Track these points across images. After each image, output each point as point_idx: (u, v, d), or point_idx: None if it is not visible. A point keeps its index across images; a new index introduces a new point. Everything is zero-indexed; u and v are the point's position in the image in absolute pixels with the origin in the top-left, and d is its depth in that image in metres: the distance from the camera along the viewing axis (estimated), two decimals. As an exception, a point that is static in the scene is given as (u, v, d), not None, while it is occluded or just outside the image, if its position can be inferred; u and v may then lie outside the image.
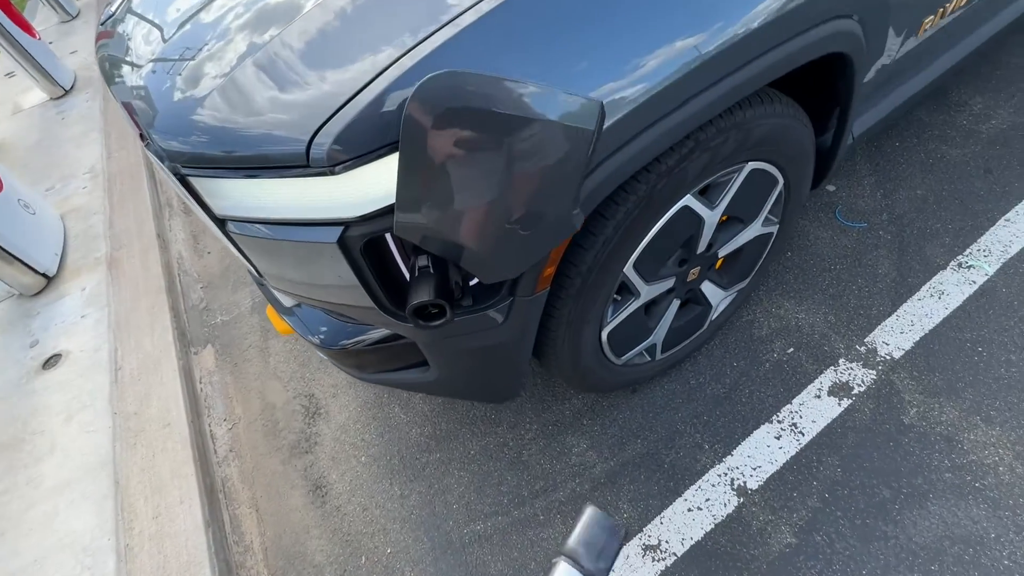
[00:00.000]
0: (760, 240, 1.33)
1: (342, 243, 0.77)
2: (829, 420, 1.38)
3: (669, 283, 1.21)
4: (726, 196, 1.09)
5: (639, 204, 0.93)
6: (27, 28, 4.07)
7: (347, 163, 0.68)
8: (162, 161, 0.82)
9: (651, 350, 1.38)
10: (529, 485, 1.45)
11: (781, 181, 1.19)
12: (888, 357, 1.46)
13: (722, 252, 1.26)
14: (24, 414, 1.87)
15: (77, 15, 5.90)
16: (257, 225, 0.83)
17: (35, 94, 4.33)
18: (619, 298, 1.16)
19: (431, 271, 0.77)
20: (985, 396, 1.34)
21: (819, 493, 1.28)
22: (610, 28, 0.73)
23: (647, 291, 1.16)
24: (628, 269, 1.06)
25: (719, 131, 0.93)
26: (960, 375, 1.38)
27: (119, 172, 3.09)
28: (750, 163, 1.07)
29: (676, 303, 1.31)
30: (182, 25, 0.96)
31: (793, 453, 1.35)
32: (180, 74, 0.86)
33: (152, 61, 0.93)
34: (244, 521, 1.57)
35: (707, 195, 1.07)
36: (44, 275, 2.36)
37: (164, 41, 0.95)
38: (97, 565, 1.42)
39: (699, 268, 1.25)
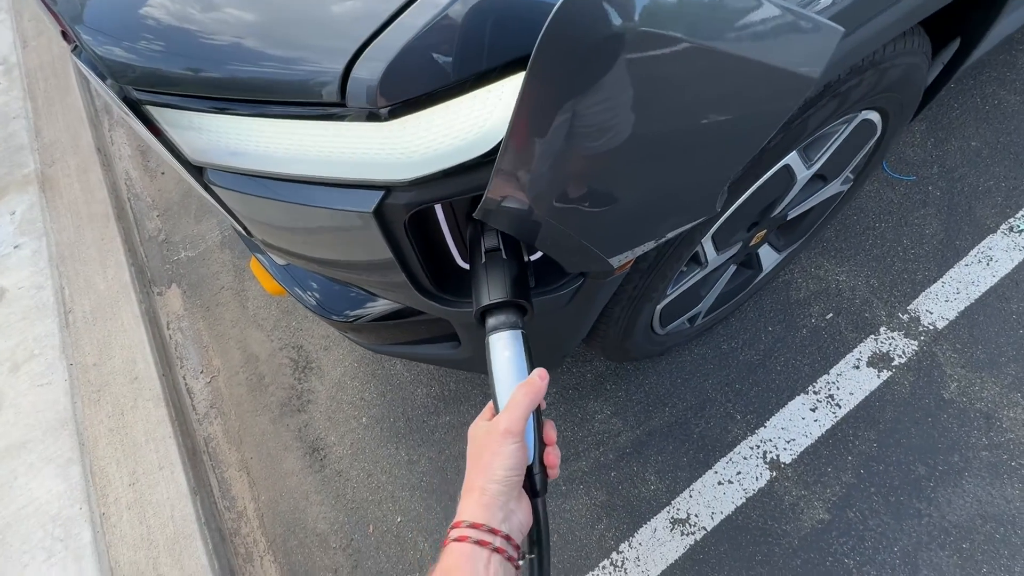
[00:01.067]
0: (829, 201, 1.17)
1: (379, 214, 0.55)
2: (867, 393, 1.32)
3: (735, 249, 1.05)
4: (827, 152, 0.90)
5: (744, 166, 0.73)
6: None
7: (401, 105, 0.45)
8: (100, 78, 0.56)
9: (693, 318, 1.25)
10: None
11: (879, 132, 1.01)
12: (931, 327, 1.38)
13: (793, 214, 1.09)
14: (-41, 362, 1.61)
15: None
16: (253, 179, 0.60)
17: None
18: (685, 269, 0.99)
19: (504, 256, 0.57)
20: (1027, 372, 1.29)
21: (854, 468, 1.24)
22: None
23: (715, 260, 1.00)
24: (706, 239, 0.88)
25: (855, 72, 0.73)
26: (1003, 349, 1.33)
27: (40, 67, 2.57)
28: (864, 112, 0.88)
29: (732, 269, 1.15)
30: None
31: (828, 426, 1.29)
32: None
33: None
34: (234, 485, 1.44)
35: (807, 151, 0.88)
36: (-40, 194, 1.98)
37: None
38: (70, 537, 1.28)
39: (765, 231, 1.09)
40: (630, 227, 0.56)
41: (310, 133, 0.49)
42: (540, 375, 0.54)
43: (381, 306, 0.90)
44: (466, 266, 0.73)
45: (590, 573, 1.20)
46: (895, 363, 1.35)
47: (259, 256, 1.03)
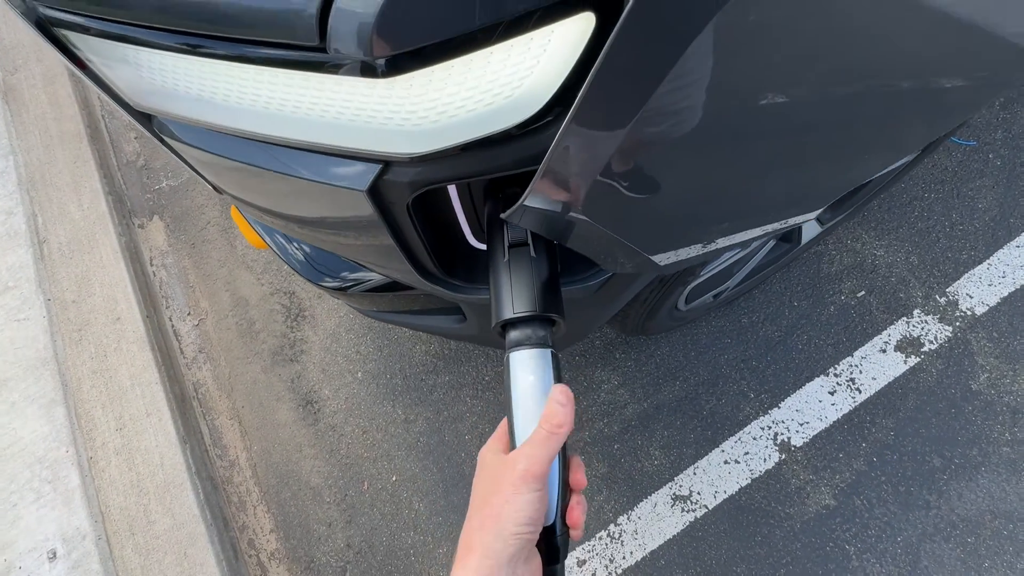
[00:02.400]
0: (889, 173, 1.02)
1: (375, 193, 0.43)
2: (891, 379, 1.25)
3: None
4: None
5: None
6: None
7: (406, 57, 0.31)
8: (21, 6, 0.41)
9: (717, 294, 1.15)
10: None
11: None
12: (969, 312, 1.28)
13: (849, 187, 0.96)
14: (-71, 290, 1.52)
15: None
16: (218, 134, 0.46)
17: None
18: (723, 249, 0.87)
19: (532, 253, 0.46)
20: (1063, 367, 1.22)
21: (866, 456, 1.19)
22: None
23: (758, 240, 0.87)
24: (757, 219, 0.76)
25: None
26: (1043, 341, 1.24)
27: (-7, -49, 2.25)
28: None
29: (770, 245, 1.04)
30: None
31: (846, 411, 1.23)
32: None
33: None
34: (226, 433, 1.40)
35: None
36: (-86, 101, 1.79)
37: None
38: (58, 478, 1.25)
39: (815, 206, 0.96)
40: (708, 230, 0.45)
41: (285, 84, 0.36)
42: (562, 398, 0.44)
43: (376, 277, 0.79)
44: (479, 245, 0.62)
45: (586, 543, 1.19)
46: (925, 349, 1.27)
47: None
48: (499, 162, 0.41)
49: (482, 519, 0.40)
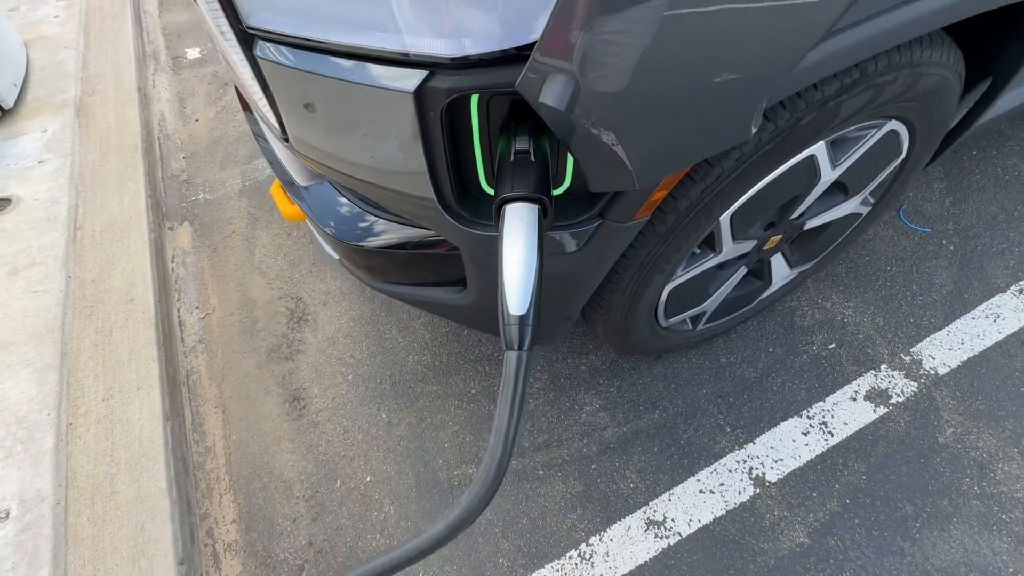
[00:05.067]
0: (847, 220, 1.18)
1: (419, 95, 0.56)
2: (861, 425, 1.29)
3: (748, 246, 1.05)
4: (852, 155, 0.92)
5: (774, 137, 0.75)
6: None
7: None
8: None
9: (696, 319, 1.24)
10: (532, 437, 1.33)
11: (903, 156, 1.02)
12: (932, 371, 1.36)
13: (810, 224, 1.10)
14: (-41, 258, 1.61)
15: None
16: (299, 52, 0.61)
17: None
18: (698, 251, 0.99)
19: (532, 159, 0.58)
20: (1025, 429, 1.27)
21: (840, 497, 1.20)
22: None
23: (728, 250, 1.00)
24: (725, 217, 0.89)
25: (892, 67, 0.75)
26: (1003, 403, 1.31)
27: (99, 8, 2.66)
28: (893, 121, 0.90)
29: (743, 271, 1.16)
30: None
31: (819, 452, 1.26)
32: None
33: None
34: (207, 420, 1.41)
35: (835, 149, 0.90)
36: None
37: None
38: (33, 439, 1.24)
39: (780, 236, 1.10)
40: (667, 141, 0.57)
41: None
42: None
43: (393, 234, 0.90)
44: (489, 191, 0.74)
45: (556, 561, 1.15)
46: (892, 401, 1.33)
47: (281, 178, 1.04)
48: (513, 77, 0.54)
49: None
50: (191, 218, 1.87)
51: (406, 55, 0.54)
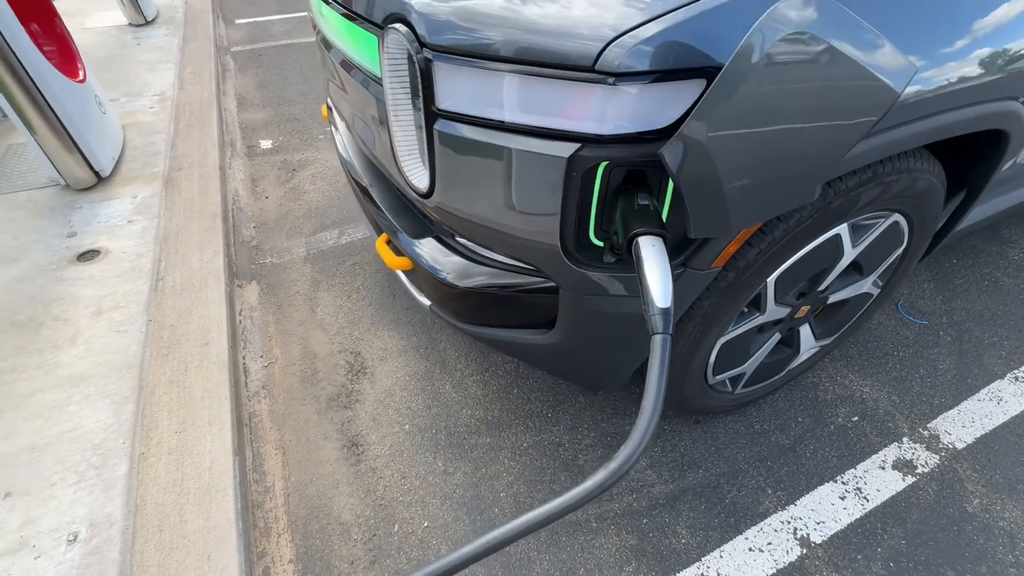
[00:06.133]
0: (861, 299, 1.38)
1: (571, 161, 0.77)
2: (893, 492, 1.38)
3: (784, 312, 1.23)
4: (866, 239, 1.14)
5: (813, 213, 0.97)
6: (131, -47, 4.15)
7: (636, 76, 0.69)
8: (408, 43, 0.83)
9: (735, 380, 1.38)
10: None
11: (904, 244, 1.26)
12: (951, 446, 1.48)
13: (832, 298, 1.30)
14: (47, 298, 1.74)
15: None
16: (472, 127, 0.83)
17: (115, 15, 4.37)
18: (746, 311, 1.17)
19: (651, 208, 0.78)
20: (1044, 503, 1.36)
21: (883, 560, 1.25)
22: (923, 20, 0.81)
23: (770, 311, 1.18)
24: (771, 279, 1.08)
25: (895, 170, 0.99)
26: (1021, 478, 1.41)
27: (188, 103, 3.08)
28: (896, 214, 1.13)
29: (777, 336, 1.32)
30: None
31: (858, 516, 1.33)
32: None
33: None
34: (268, 460, 1.45)
35: (854, 232, 1.12)
36: (97, 174, 2.28)
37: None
38: (107, 466, 1.28)
39: (808, 307, 1.28)
40: (757, 196, 0.78)
41: (544, 89, 0.74)
42: None
43: (497, 278, 1.07)
44: (596, 243, 0.93)
45: (615, 613, 1.16)
46: (919, 471, 1.42)
47: (389, 231, 1.24)
48: (644, 152, 0.76)
49: None
50: (259, 278, 2.04)
51: (567, 132, 0.77)
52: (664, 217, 0.82)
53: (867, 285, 1.32)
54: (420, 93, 0.85)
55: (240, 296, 1.95)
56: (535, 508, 0.65)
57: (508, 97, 0.78)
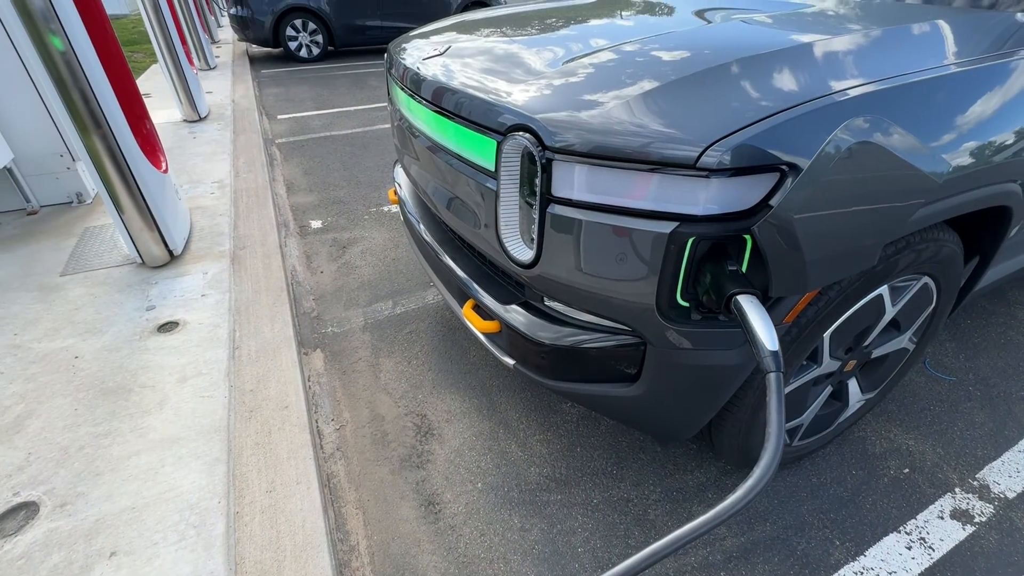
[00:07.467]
0: (899, 354, 1.52)
1: (671, 236, 0.95)
2: (957, 541, 1.43)
3: (835, 365, 1.36)
4: (902, 299, 1.31)
5: (860, 277, 1.14)
6: (189, 58, 4.70)
7: (728, 172, 0.89)
8: (532, 147, 1.03)
9: (793, 432, 1.48)
10: None
11: (933, 303, 1.42)
12: (1003, 495, 1.55)
13: (875, 352, 1.44)
14: (134, 367, 1.86)
15: (215, 67, 6.83)
16: (581, 210, 1.02)
17: (172, 112, 4.84)
18: (804, 364, 1.31)
19: (739, 272, 0.94)
20: (1103, 550, 1.41)
21: (960, 610, 1.28)
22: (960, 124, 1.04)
23: (825, 364, 1.31)
24: (827, 334, 1.23)
25: (923, 239, 1.18)
26: (1075, 525, 1.47)
27: (245, 190, 3.37)
28: (926, 276, 1.31)
29: (829, 389, 1.45)
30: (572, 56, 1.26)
31: (927, 565, 1.37)
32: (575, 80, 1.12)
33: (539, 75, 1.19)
34: (349, 520, 1.50)
35: (893, 293, 1.29)
36: (171, 252, 2.48)
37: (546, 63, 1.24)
38: (205, 525, 1.34)
39: (855, 362, 1.42)
40: (829, 262, 0.94)
41: (651, 181, 0.93)
42: None
43: (583, 336, 1.22)
44: (683, 303, 1.08)
45: (709, 667, 1.18)
46: (976, 520, 1.48)
47: (478, 297, 1.40)
48: (733, 229, 0.94)
49: None
50: (322, 346, 2.17)
51: (666, 213, 0.95)
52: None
53: (904, 341, 1.47)
54: (539, 184, 1.05)
55: (307, 363, 2.07)
56: (687, 523, 0.75)
57: (616, 186, 0.97)
